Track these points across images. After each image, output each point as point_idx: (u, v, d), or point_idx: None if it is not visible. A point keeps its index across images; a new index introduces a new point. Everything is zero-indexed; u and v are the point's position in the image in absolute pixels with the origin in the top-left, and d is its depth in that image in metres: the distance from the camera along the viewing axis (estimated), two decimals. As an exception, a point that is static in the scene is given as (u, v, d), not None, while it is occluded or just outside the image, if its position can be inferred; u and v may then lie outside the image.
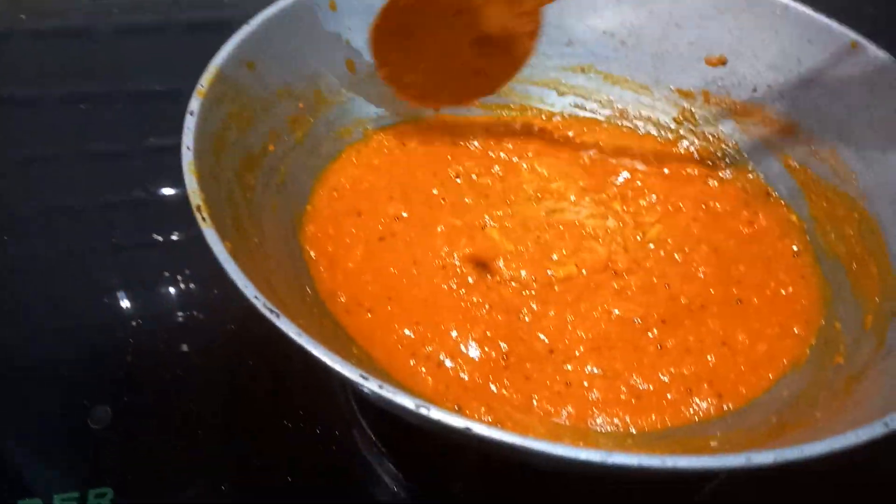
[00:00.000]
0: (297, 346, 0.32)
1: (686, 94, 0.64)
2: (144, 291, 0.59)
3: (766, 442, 0.40)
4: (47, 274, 0.60)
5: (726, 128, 0.63)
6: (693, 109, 0.64)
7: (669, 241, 0.56)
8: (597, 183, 0.61)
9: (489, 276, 0.53)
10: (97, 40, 0.84)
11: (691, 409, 0.46)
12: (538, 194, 0.60)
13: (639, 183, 0.61)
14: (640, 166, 0.62)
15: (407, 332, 0.48)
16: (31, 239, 0.63)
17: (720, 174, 0.62)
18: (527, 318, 0.50)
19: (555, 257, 0.55)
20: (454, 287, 0.52)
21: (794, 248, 0.55)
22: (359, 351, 0.46)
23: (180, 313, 0.58)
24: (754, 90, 0.61)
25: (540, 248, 0.55)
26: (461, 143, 0.63)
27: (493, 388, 0.46)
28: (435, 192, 0.59)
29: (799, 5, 0.57)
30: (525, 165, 0.62)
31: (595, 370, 0.48)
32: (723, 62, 0.62)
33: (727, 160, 0.62)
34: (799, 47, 0.58)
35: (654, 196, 0.60)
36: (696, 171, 0.62)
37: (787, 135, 0.59)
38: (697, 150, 0.64)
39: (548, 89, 0.67)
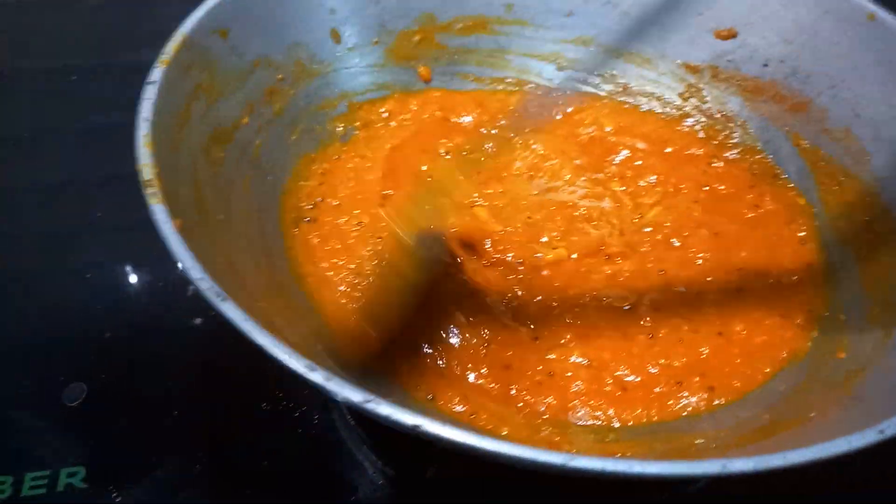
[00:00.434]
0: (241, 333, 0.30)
1: (693, 69, 0.60)
2: (125, 269, 0.58)
3: (754, 441, 0.37)
4: (28, 250, 0.59)
5: (734, 105, 0.59)
6: (700, 85, 0.60)
7: (668, 224, 0.53)
8: (594, 161, 0.58)
9: (475, 258, 0.51)
10: (84, 12, 0.82)
11: (680, 404, 0.43)
12: (531, 172, 0.57)
13: (639, 162, 0.58)
14: (641, 145, 0.59)
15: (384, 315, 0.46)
16: (15, 215, 0.61)
17: (726, 155, 0.58)
18: (512, 304, 0.48)
19: (545, 239, 0.52)
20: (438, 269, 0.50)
21: (801, 233, 0.52)
22: (329, 334, 0.43)
23: (160, 292, 0.56)
24: (765, 65, 0.57)
25: (529, 230, 0.52)
26: (452, 118, 0.61)
27: (470, 377, 0.44)
28: (423, 168, 0.57)
29: (815, -27, 0.53)
30: (519, 142, 0.59)
31: (580, 360, 0.45)
32: (733, 35, 0.58)
33: (734, 140, 0.59)
34: (814, 18, 0.54)
35: (654, 177, 0.57)
36: (701, 151, 0.59)
37: (798, 113, 0.55)
38: (703, 129, 0.60)
39: (546, 63, 0.63)
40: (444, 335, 0.46)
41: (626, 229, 0.53)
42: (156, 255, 0.57)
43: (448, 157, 0.58)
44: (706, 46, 0.59)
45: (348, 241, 0.50)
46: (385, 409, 0.27)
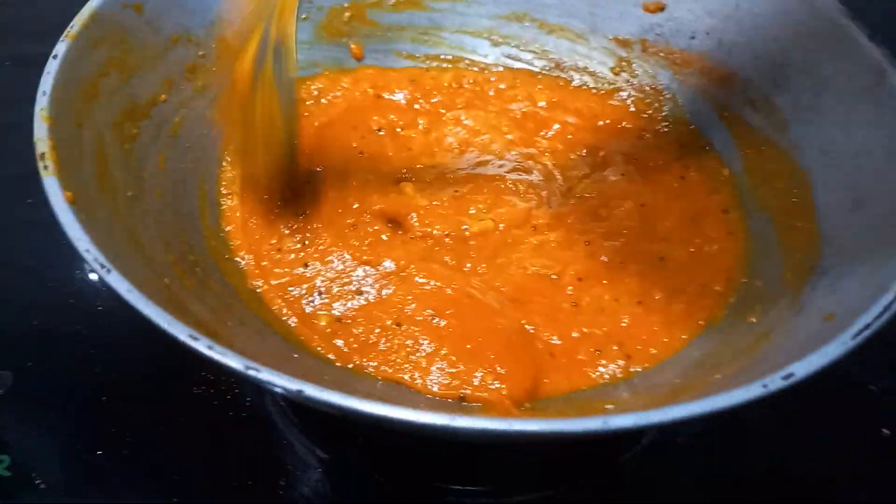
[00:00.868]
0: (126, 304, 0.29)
1: (623, 43, 0.61)
2: (58, 253, 0.57)
3: (661, 405, 0.38)
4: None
5: (664, 78, 0.59)
6: (630, 59, 0.61)
7: (595, 196, 0.53)
8: (526, 136, 0.58)
9: (401, 233, 0.51)
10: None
11: (597, 371, 0.44)
12: (462, 147, 0.57)
13: (570, 136, 0.58)
14: (573, 119, 0.59)
15: (300, 290, 0.46)
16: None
17: (656, 128, 0.59)
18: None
19: (472, 211, 0.52)
20: (366, 244, 0.50)
21: (724, 203, 0.52)
22: (244, 311, 0.43)
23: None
24: (692, 37, 0.57)
25: (457, 203, 0.52)
26: (385, 95, 0.60)
27: (382, 346, 0.44)
28: (354, 145, 0.56)
29: (738, -55, 0.54)
30: (451, 118, 0.59)
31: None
32: (661, 8, 0.58)
33: (664, 112, 0.59)
34: (735, -10, 0.54)
35: (584, 150, 0.57)
36: (631, 125, 0.59)
37: (724, 84, 0.56)
38: (634, 102, 0.60)
39: (480, 39, 0.63)
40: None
41: (554, 202, 0.53)
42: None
43: (381, 132, 0.58)
44: (635, 20, 0.60)
45: (270, 217, 0.49)
46: (266, 375, 0.27)
